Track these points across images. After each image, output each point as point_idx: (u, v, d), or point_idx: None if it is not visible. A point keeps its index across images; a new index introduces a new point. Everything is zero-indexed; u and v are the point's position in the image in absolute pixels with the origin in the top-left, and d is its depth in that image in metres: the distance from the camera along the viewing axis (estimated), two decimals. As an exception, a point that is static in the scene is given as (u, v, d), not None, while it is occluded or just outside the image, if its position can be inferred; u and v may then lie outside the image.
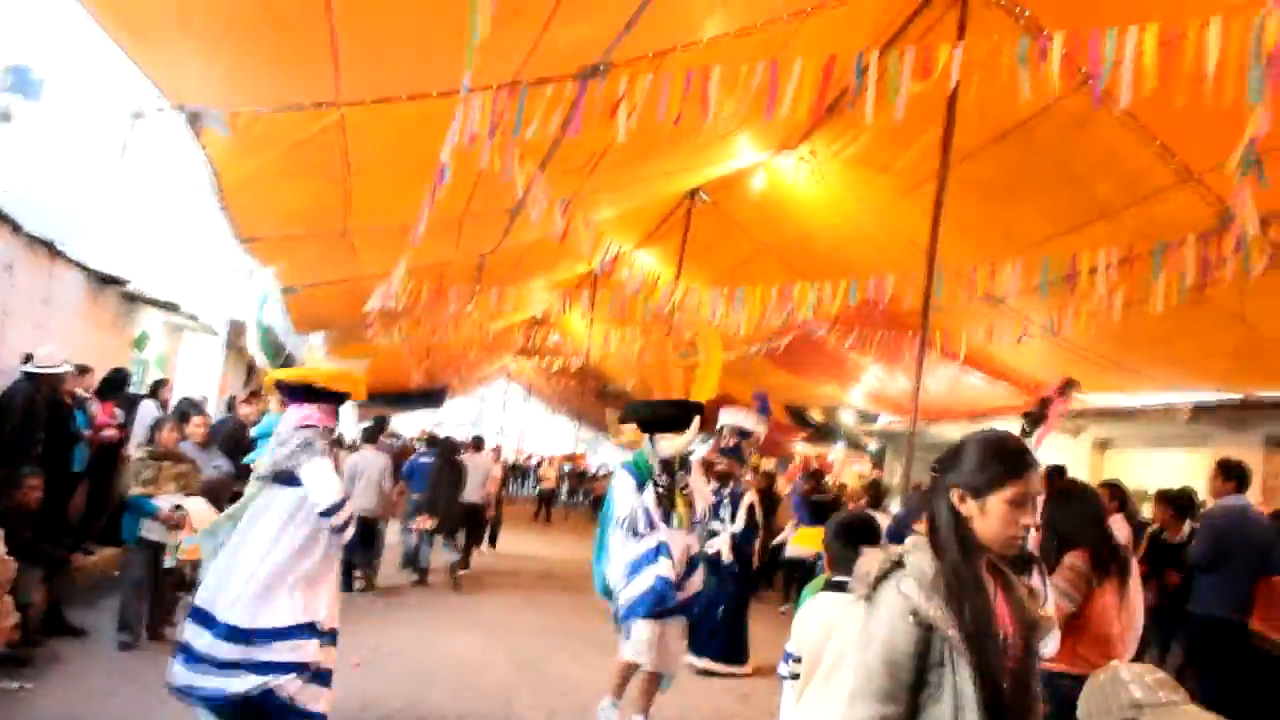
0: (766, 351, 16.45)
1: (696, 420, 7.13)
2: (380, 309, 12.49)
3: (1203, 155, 7.94)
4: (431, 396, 31.78)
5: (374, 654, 8.40)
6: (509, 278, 15.73)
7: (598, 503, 33.87)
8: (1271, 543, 8.34)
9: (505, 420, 41.42)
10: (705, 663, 9.46)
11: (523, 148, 7.48)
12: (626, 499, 7.05)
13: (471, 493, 14.54)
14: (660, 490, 7.01)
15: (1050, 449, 7.25)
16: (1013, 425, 9.42)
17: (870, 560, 2.76)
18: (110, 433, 8.71)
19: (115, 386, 9.43)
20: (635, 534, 6.95)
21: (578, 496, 36.24)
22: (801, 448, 22.99)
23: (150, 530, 7.85)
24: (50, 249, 9.63)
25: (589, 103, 6.41)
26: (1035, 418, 7.67)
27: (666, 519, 6.98)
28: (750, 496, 9.89)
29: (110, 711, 6.11)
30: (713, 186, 14.06)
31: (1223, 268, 7.98)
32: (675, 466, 7.16)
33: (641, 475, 7.10)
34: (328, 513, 5.36)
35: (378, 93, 7.05)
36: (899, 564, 2.69)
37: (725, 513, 9.72)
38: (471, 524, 14.85)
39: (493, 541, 17.17)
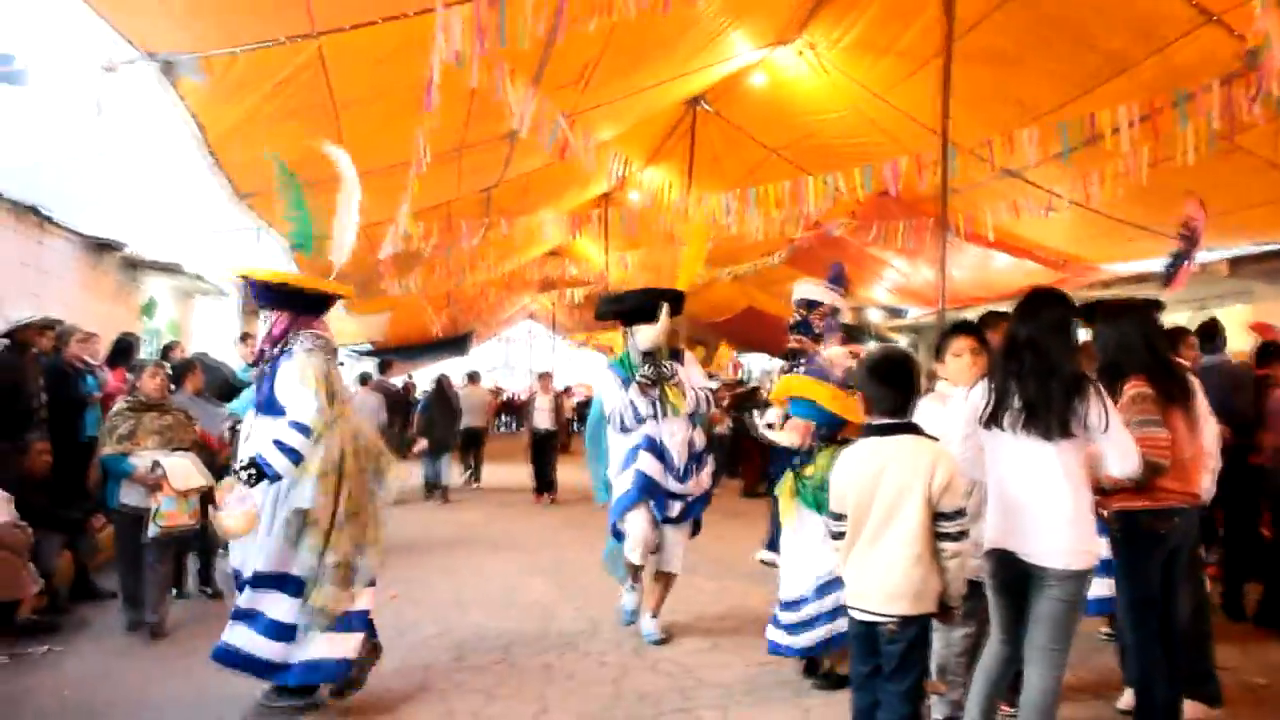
0: (788, 259, 16.17)
1: (665, 307, 6.77)
2: (392, 255, 12.31)
3: (1222, -9, 7.58)
4: (455, 343, 31.65)
5: (408, 585, 8.31)
6: (517, 210, 15.47)
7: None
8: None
9: (532, 360, 41.46)
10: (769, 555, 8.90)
11: (512, 62, 7.20)
12: (613, 396, 6.86)
13: (471, 419, 17.06)
14: (645, 381, 6.72)
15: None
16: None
17: None
18: (125, 399, 8.43)
19: (124, 353, 9.09)
20: (624, 430, 6.78)
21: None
22: (832, 350, 22.73)
23: (128, 494, 6.71)
24: (36, 214, 9.35)
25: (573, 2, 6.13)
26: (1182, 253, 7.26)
27: (659, 411, 6.74)
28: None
29: (137, 667, 6.04)
30: (714, 94, 13.74)
31: (1251, 110, 7.65)
32: (661, 357, 6.87)
33: (626, 371, 6.88)
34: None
35: (353, 18, 6.79)
36: None
37: None
38: (474, 445, 17.66)
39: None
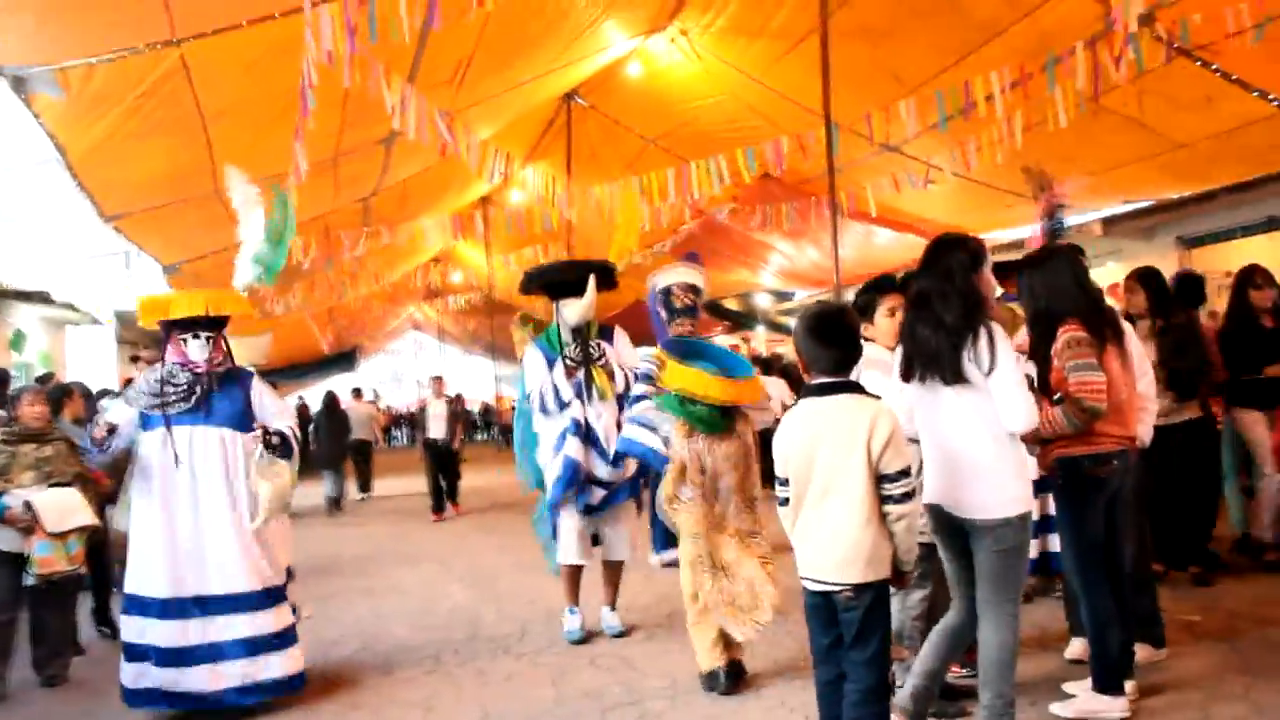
0: (672, 248, 16.13)
1: (593, 279, 6.39)
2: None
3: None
4: (343, 360, 31.10)
5: (323, 603, 8.05)
6: (397, 218, 15.16)
7: (506, 432, 33.69)
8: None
9: (420, 371, 41.07)
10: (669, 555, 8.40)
11: (386, 60, 6.98)
12: (535, 375, 6.48)
13: (358, 432, 17.48)
14: (570, 363, 6.41)
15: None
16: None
17: None
18: None
19: None
20: (545, 411, 6.44)
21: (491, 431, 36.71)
22: (720, 340, 22.83)
23: (2, 536, 5.89)
24: None
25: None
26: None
27: (586, 394, 6.41)
28: None
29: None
30: (588, 88, 13.65)
31: (1115, 70, 7.82)
32: (589, 335, 6.55)
33: (552, 350, 6.52)
34: None
35: (216, 21, 6.50)
36: None
37: None
38: (362, 457, 18.05)
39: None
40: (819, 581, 3.59)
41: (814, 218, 12.60)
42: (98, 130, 7.38)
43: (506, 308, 26.34)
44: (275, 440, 5.42)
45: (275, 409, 5.69)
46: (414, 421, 31.69)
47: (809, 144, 9.98)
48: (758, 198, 13.58)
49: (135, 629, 5.25)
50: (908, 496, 3.49)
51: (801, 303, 21.13)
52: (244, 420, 5.46)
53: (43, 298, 11.27)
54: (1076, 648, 5.07)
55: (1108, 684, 4.36)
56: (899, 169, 11.52)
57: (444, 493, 14.53)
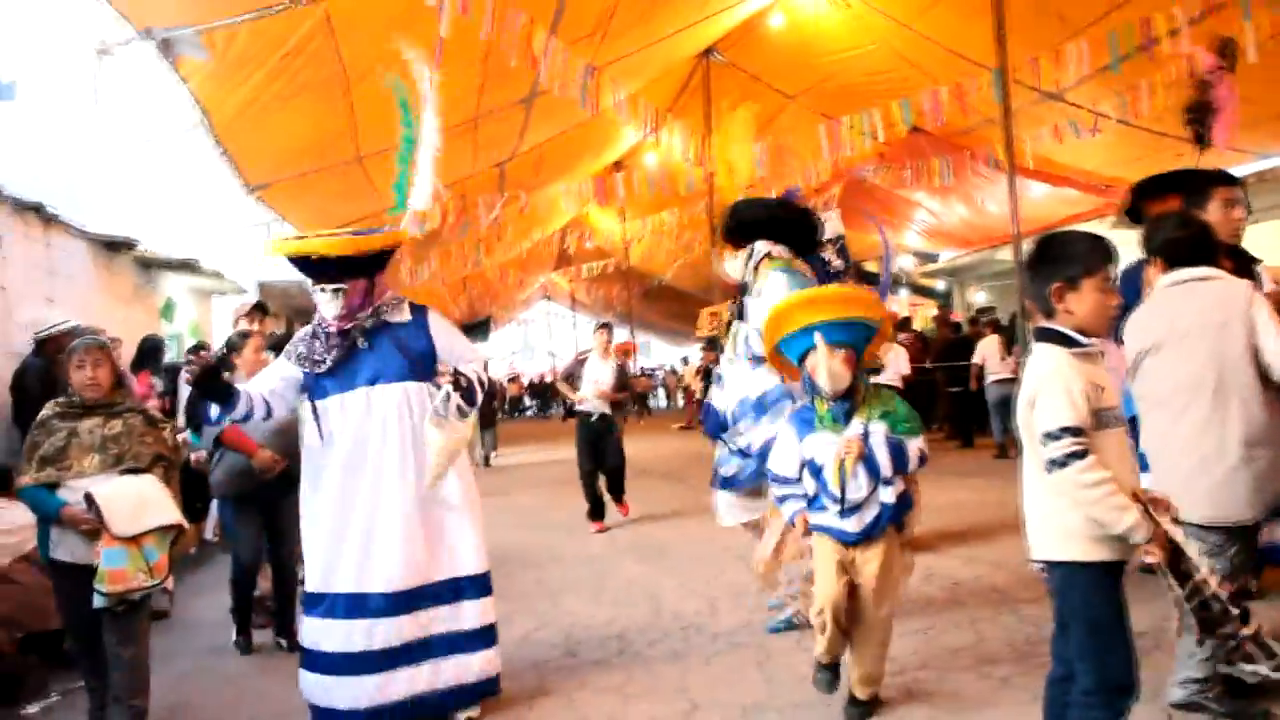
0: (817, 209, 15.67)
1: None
2: (411, 240, 11.87)
3: None
4: (475, 329, 31.24)
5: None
6: (531, 185, 15.01)
7: (642, 400, 31.72)
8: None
9: (551, 341, 41.17)
10: None
11: (528, 11, 6.72)
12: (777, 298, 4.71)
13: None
14: None
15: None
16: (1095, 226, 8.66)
17: None
18: (153, 403, 7.83)
19: (150, 356, 8.53)
20: (756, 359, 5.03)
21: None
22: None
23: (60, 544, 4.27)
24: (40, 214, 8.26)
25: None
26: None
27: None
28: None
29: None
30: (727, 44, 13.28)
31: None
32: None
33: (797, 282, 5.00)
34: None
35: (359, -27, 6.33)
36: None
37: None
38: (486, 424, 17.24)
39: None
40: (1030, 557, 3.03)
41: (971, 172, 12.03)
42: (242, 93, 7.29)
43: (641, 274, 26.19)
44: (464, 384, 4.39)
45: (463, 350, 4.63)
46: (547, 392, 30.94)
47: (969, 93, 9.46)
48: (904, 153, 13.02)
49: (314, 631, 4.29)
50: (1055, 463, 2.80)
51: (950, 262, 20.40)
52: (419, 368, 4.44)
53: (191, 267, 11.30)
54: None
55: None
56: (1059, 118, 10.90)
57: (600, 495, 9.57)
